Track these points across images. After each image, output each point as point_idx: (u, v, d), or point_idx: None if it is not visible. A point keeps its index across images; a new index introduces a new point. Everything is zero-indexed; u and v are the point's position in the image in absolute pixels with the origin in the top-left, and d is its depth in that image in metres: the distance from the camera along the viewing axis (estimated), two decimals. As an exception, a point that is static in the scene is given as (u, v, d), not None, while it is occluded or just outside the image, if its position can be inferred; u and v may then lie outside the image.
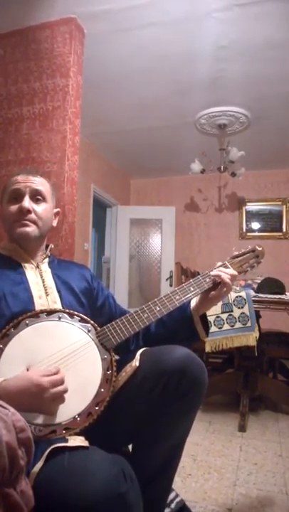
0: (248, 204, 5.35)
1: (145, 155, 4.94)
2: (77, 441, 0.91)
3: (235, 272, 1.23)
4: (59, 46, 2.51)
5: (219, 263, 1.28)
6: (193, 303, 1.26)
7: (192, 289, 1.19)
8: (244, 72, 3.10)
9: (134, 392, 1.05)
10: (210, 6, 2.42)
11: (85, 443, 0.91)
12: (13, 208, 1.17)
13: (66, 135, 2.41)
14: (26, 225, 1.16)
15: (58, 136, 2.42)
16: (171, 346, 1.09)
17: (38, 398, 0.89)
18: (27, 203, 1.16)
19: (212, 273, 1.21)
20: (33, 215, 1.17)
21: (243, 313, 2.43)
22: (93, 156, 4.72)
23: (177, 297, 1.18)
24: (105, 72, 3.11)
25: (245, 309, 2.43)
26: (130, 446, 1.14)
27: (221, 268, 1.24)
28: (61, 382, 0.93)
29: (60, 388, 0.92)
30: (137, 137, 4.41)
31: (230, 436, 2.36)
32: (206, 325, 1.28)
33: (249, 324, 2.41)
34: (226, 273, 1.21)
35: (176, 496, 1.39)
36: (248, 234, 5.32)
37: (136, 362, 1.07)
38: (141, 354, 1.09)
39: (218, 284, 1.21)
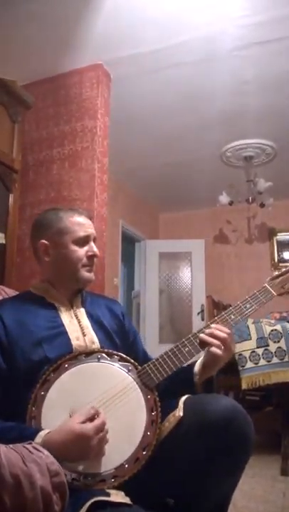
0: (279, 234, 5.27)
1: (172, 188, 5.00)
2: (119, 497, 0.86)
3: (227, 330, 1.08)
4: (87, 91, 2.63)
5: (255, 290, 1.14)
6: (197, 366, 1.14)
7: (233, 317, 1.11)
8: (267, 105, 3.14)
9: (177, 444, 0.99)
10: (229, 46, 2.50)
11: (126, 499, 0.86)
12: (82, 251, 1.18)
13: (95, 174, 2.48)
14: (92, 271, 1.20)
15: (87, 175, 2.50)
16: (215, 396, 1.04)
17: (84, 448, 0.86)
18: (95, 248, 1.20)
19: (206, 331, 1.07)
20: (95, 260, 1.21)
21: (279, 347, 2.33)
22: (121, 192, 4.82)
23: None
24: (131, 110, 3.23)
25: (282, 343, 2.33)
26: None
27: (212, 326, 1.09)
28: (103, 425, 0.89)
29: (104, 434, 0.88)
30: (163, 171, 4.49)
31: (271, 480, 2.21)
32: (210, 390, 1.15)
33: (287, 359, 2.30)
34: (216, 333, 1.06)
35: None
36: (281, 264, 5.20)
37: (180, 412, 1.01)
38: (184, 403, 1.03)
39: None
